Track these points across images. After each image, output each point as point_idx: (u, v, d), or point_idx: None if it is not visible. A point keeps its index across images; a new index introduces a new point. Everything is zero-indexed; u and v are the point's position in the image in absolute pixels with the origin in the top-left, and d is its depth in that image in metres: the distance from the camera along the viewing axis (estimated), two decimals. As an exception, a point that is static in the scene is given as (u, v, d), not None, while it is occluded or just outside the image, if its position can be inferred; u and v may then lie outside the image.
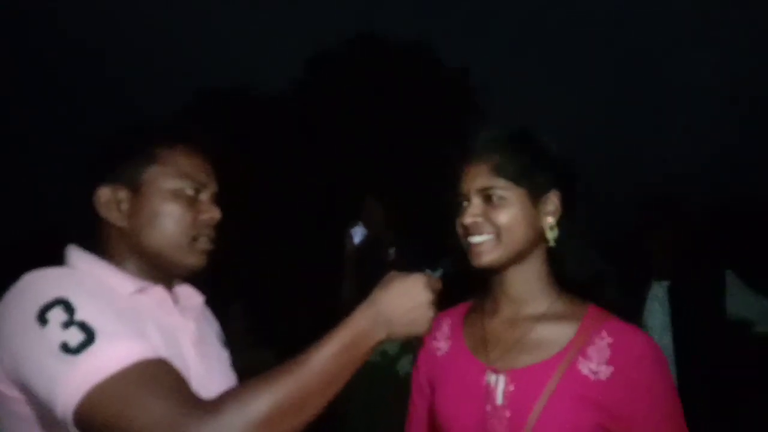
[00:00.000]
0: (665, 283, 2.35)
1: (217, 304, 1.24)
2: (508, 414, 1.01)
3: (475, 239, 1.06)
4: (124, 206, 1.02)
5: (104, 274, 0.99)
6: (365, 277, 3.22)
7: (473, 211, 1.06)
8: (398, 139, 11.41)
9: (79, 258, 1.00)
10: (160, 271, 1.04)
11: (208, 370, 1.05)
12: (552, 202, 1.07)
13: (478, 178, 1.07)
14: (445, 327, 1.19)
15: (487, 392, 1.05)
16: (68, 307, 0.86)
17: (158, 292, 1.03)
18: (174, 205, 1.02)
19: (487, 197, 1.06)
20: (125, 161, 1.02)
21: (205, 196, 1.06)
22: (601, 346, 1.01)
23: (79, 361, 0.82)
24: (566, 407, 0.98)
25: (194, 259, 1.04)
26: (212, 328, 1.17)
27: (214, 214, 1.06)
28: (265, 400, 0.83)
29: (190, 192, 1.04)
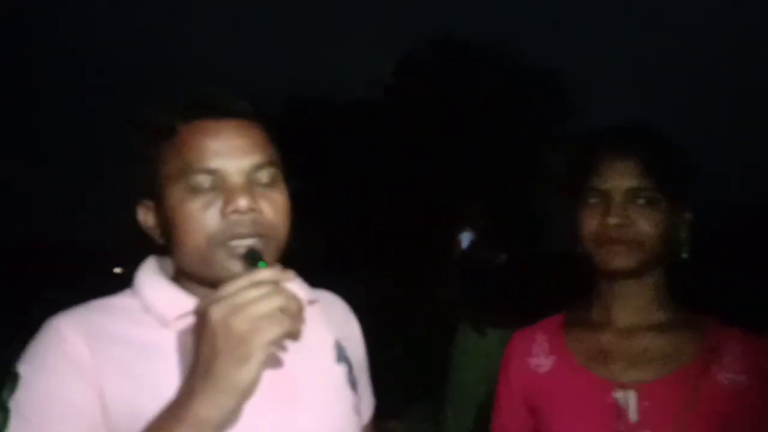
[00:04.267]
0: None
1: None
2: (644, 430, 0.96)
3: (614, 242, 0.98)
4: (155, 221, 0.86)
5: (156, 296, 0.86)
6: (472, 283, 3.26)
7: (618, 212, 0.98)
8: (491, 144, 11.33)
9: (142, 273, 0.89)
10: (205, 286, 0.84)
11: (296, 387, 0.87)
12: (689, 216, 1.03)
13: (626, 176, 0.99)
14: (542, 342, 1.12)
15: (617, 410, 0.98)
16: (13, 385, 0.78)
17: None
18: (189, 206, 0.80)
19: (633, 198, 0.99)
20: (137, 170, 0.86)
21: (229, 184, 0.80)
22: (733, 355, 0.97)
23: None
24: (708, 419, 0.94)
25: (226, 265, 0.80)
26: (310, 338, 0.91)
27: (242, 203, 0.79)
28: None
29: (204, 184, 0.80)
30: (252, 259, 0.77)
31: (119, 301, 0.87)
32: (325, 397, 0.89)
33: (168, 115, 0.84)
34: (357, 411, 0.94)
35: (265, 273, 0.68)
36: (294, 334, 0.67)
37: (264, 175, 0.83)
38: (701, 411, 0.93)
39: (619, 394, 0.98)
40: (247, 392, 0.66)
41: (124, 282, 0.92)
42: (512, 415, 1.12)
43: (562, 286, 1.22)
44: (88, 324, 0.81)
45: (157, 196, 0.83)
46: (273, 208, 0.83)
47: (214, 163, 0.80)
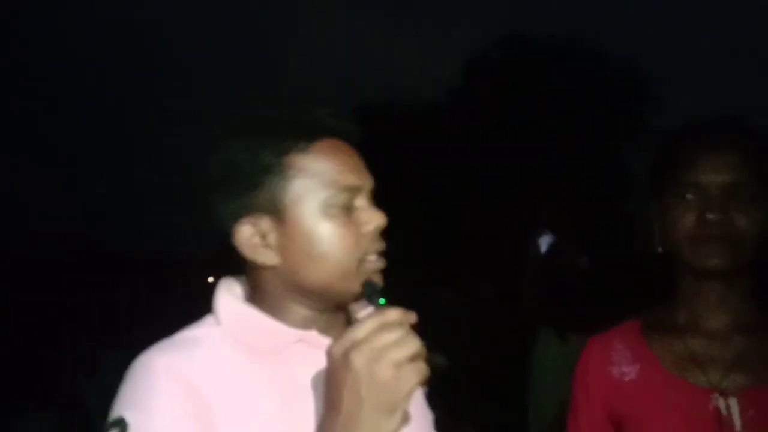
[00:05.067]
0: None
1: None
2: None
3: (712, 240, 0.94)
4: (272, 239, 0.81)
5: (247, 325, 0.83)
6: (554, 286, 3.19)
7: (718, 207, 0.93)
8: (569, 141, 11.08)
9: (224, 305, 0.85)
10: (324, 307, 0.84)
11: None
12: None
13: (724, 170, 0.95)
14: (622, 349, 1.06)
15: (719, 418, 0.93)
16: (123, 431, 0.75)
17: (313, 339, 0.83)
18: (329, 224, 0.80)
19: (733, 194, 0.94)
20: (257, 184, 0.81)
21: (361, 201, 0.83)
22: None
23: None
24: None
25: (358, 285, 0.81)
26: None
27: (377, 220, 0.82)
28: None
29: (343, 201, 0.81)
30: (371, 294, 0.77)
31: (204, 332, 0.83)
32: (416, 419, 0.83)
33: (294, 134, 0.82)
34: (434, 427, 0.94)
35: (393, 314, 0.68)
36: (427, 380, 0.67)
37: None
38: None
39: (719, 402, 0.93)
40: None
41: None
42: (592, 425, 1.07)
43: (644, 289, 1.16)
44: (188, 363, 0.78)
45: (280, 212, 0.81)
46: None
47: (351, 180, 0.82)
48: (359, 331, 0.67)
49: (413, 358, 0.66)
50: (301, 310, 0.83)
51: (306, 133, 0.82)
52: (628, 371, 1.03)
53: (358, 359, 0.66)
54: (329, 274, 0.80)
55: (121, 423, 0.76)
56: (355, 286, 0.81)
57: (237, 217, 0.82)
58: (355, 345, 0.66)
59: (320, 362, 0.74)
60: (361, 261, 0.81)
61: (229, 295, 0.86)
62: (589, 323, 3.03)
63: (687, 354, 0.99)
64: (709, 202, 0.94)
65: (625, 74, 12.29)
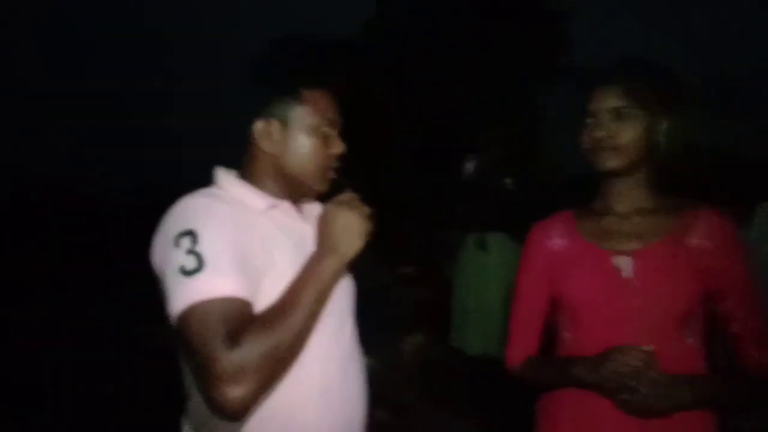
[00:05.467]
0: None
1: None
2: (638, 284, 1.25)
3: (602, 150, 1.27)
4: (275, 137, 1.21)
5: (242, 193, 1.19)
6: (481, 205, 3.53)
7: (603, 126, 1.27)
8: (492, 77, 11.28)
9: (223, 178, 1.22)
10: (293, 191, 1.24)
11: None
12: (666, 123, 1.28)
13: (609, 98, 1.27)
14: (558, 227, 1.40)
15: (615, 271, 1.27)
16: (194, 238, 1.04)
17: (285, 206, 1.23)
18: (314, 139, 1.22)
19: (615, 115, 1.26)
20: (278, 100, 1.22)
21: (335, 133, 1.26)
22: (700, 227, 1.26)
23: (186, 282, 1.01)
24: (684, 272, 1.24)
25: (321, 185, 1.25)
26: None
27: (341, 148, 1.26)
28: (274, 339, 1.00)
29: (325, 129, 1.23)
30: (342, 185, 1.30)
31: (221, 192, 1.19)
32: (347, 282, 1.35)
33: (311, 78, 1.25)
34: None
35: (355, 195, 1.22)
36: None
37: None
38: (677, 266, 1.25)
39: (618, 260, 1.29)
40: (350, 259, 1.15)
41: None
42: (534, 287, 1.42)
43: (554, 204, 1.50)
44: (222, 203, 1.13)
45: (286, 122, 1.22)
46: None
47: (333, 117, 1.26)
48: (342, 197, 1.20)
49: (366, 216, 1.18)
50: (275, 189, 1.23)
51: (316, 79, 1.25)
52: (560, 243, 1.39)
53: (341, 207, 1.17)
54: (303, 169, 1.23)
55: (190, 232, 1.06)
56: (318, 184, 1.25)
57: (259, 116, 1.22)
58: (340, 201, 1.19)
59: (295, 222, 1.23)
60: (326, 169, 1.25)
61: (226, 173, 1.24)
62: (507, 229, 3.42)
63: (600, 229, 1.34)
64: (597, 123, 1.29)
65: (543, 9, 12.47)
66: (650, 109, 1.27)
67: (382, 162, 10.09)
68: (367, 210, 1.19)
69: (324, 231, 1.16)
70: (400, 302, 5.10)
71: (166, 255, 1.06)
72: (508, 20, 11.87)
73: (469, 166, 3.57)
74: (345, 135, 1.29)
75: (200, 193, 1.16)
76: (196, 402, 1.12)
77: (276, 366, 1.01)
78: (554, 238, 1.40)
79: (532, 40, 12.01)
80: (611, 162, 1.28)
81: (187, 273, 1.01)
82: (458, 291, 3.59)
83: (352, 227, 1.15)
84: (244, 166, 1.25)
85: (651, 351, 1.19)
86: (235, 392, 0.94)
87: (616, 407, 1.22)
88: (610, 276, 1.29)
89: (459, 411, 3.27)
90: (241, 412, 0.96)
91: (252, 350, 0.97)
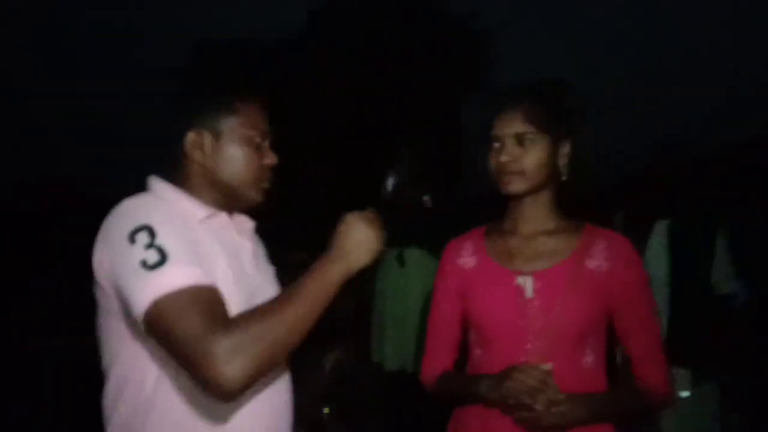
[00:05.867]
0: (666, 222, 2.71)
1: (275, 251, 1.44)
2: (537, 303, 1.30)
3: (506, 175, 1.31)
4: (207, 148, 1.20)
5: (180, 201, 1.18)
6: (401, 223, 3.55)
7: (507, 152, 1.30)
8: (415, 90, 11.48)
9: (159, 186, 1.20)
10: (228, 202, 1.24)
11: (263, 279, 1.27)
12: (568, 147, 1.33)
13: (513, 123, 1.30)
14: (469, 246, 1.43)
15: (519, 291, 1.32)
16: (151, 233, 1.04)
17: (223, 217, 1.23)
18: (247, 150, 1.22)
19: (519, 141, 1.30)
20: (210, 111, 1.21)
21: (266, 144, 1.26)
22: (600, 248, 1.32)
23: (151, 276, 1.00)
24: (582, 293, 1.29)
25: (257, 195, 1.26)
26: (261, 248, 1.38)
27: (273, 159, 1.27)
28: (268, 323, 1.01)
29: (258, 140, 1.24)
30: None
31: (154, 198, 1.17)
32: (273, 276, 1.36)
33: (243, 90, 1.26)
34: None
35: (372, 212, 1.21)
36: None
37: None
38: (577, 287, 1.30)
39: (520, 280, 1.34)
40: (355, 271, 1.16)
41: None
42: (448, 302, 1.45)
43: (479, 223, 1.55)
44: (166, 203, 1.16)
45: (218, 133, 1.22)
46: None
47: (265, 128, 1.27)
48: (366, 213, 1.18)
49: (379, 230, 1.18)
50: (210, 199, 1.22)
51: (249, 90, 1.25)
52: (469, 261, 1.42)
53: (363, 221, 1.16)
54: (238, 180, 1.22)
55: (146, 227, 1.05)
56: (253, 194, 1.25)
57: (190, 127, 1.21)
58: (364, 216, 1.17)
59: (231, 235, 1.23)
60: (260, 179, 1.25)
61: (161, 182, 1.22)
62: (425, 245, 3.47)
63: (506, 249, 1.38)
64: (502, 148, 1.33)
65: (465, 29, 12.84)
66: (552, 133, 1.32)
67: (302, 179, 10.02)
68: (382, 232, 1.21)
69: (340, 238, 1.17)
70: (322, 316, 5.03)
71: (120, 254, 1.04)
72: (432, 38, 12.15)
73: (388, 183, 3.59)
74: (275, 146, 1.31)
75: (142, 195, 1.16)
76: (119, 422, 1.12)
77: (271, 351, 1.01)
78: (465, 257, 1.44)
79: (455, 57, 12.34)
80: (515, 186, 1.32)
81: (151, 267, 1.01)
82: (377, 306, 3.61)
83: (367, 242, 1.16)
84: (177, 176, 1.23)
85: (549, 370, 1.24)
86: (230, 371, 0.95)
87: (516, 424, 1.25)
88: (514, 296, 1.33)
89: (375, 427, 3.26)
90: (237, 391, 0.97)
91: (247, 332, 0.98)
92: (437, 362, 1.47)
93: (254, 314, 1.02)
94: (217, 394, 0.97)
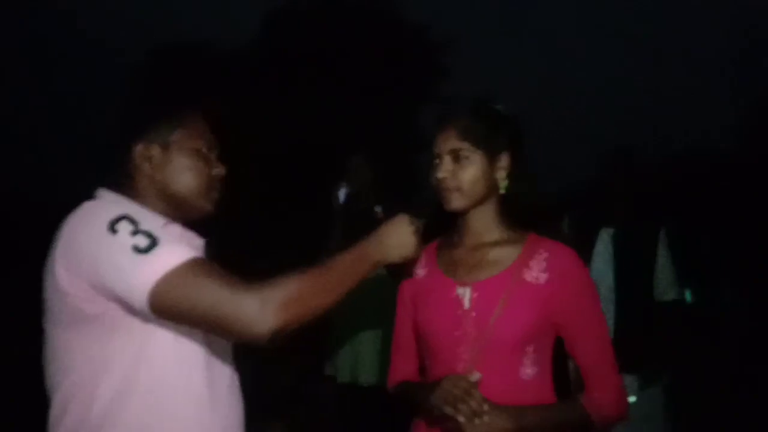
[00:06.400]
0: (611, 230, 2.76)
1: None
2: (474, 314, 1.32)
3: (446, 191, 1.35)
4: (156, 160, 1.22)
5: (140, 211, 1.17)
6: (353, 234, 3.51)
7: (445, 168, 1.34)
8: (368, 98, 11.52)
9: (109, 196, 1.21)
10: (179, 213, 1.26)
11: None
12: (504, 160, 1.36)
13: (448, 140, 1.34)
14: (424, 257, 1.48)
15: (458, 300, 1.35)
16: (132, 221, 1.07)
17: (176, 228, 1.25)
18: (195, 160, 1.25)
19: (456, 157, 1.34)
20: (158, 124, 1.24)
21: (214, 155, 1.30)
22: (539, 259, 1.33)
23: (148, 258, 1.03)
24: (518, 304, 1.30)
25: (208, 205, 1.28)
26: None
27: (222, 169, 1.31)
28: (294, 285, 1.09)
29: (205, 150, 1.27)
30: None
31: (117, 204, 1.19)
32: None
33: (192, 102, 1.29)
34: None
35: (419, 223, 1.31)
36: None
37: None
38: (514, 298, 1.32)
39: (460, 290, 1.37)
40: (388, 263, 1.27)
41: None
42: (404, 310, 1.52)
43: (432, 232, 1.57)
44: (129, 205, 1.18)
45: (167, 145, 1.24)
46: None
47: (212, 140, 1.31)
48: (416, 221, 1.30)
49: (419, 241, 1.30)
50: (161, 210, 1.23)
51: (196, 103, 1.28)
52: (420, 272, 1.48)
53: (411, 225, 1.28)
54: (188, 190, 1.25)
55: (125, 217, 1.07)
56: (204, 204, 1.27)
57: (138, 139, 1.23)
58: (413, 221, 1.29)
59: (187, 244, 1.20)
60: (209, 189, 1.28)
61: (110, 192, 1.22)
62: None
63: (452, 260, 1.42)
64: (440, 165, 1.36)
65: (422, 40, 13.00)
66: (488, 149, 1.35)
67: (253, 189, 9.90)
68: (422, 243, 1.34)
69: (386, 230, 1.27)
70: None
71: (103, 247, 1.04)
72: (388, 47, 12.23)
73: (340, 193, 3.59)
74: (224, 157, 1.33)
75: (97, 200, 1.20)
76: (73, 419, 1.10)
77: (299, 304, 1.08)
78: (419, 268, 1.48)
79: (411, 66, 12.45)
80: (455, 203, 1.36)
81: (145, 250, 1.03)
82: (330, 319, 3.57)
83: (406, 245, 1.27)
84: (126, 188, 1.23)
85: (476, 380, 1.26)
86: (266, 326, 1.03)
87: None
88: (454, 306, 1.36)
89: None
90: (275, 335, 1.05)
91: (276, 287, 1.06)
92: (399, 371, 1.52)
93: (286, 276, 1.10)
94: (256, 340, 1.04)
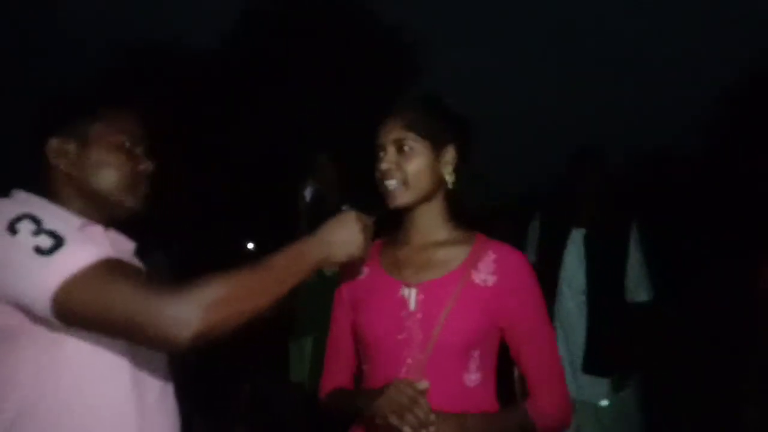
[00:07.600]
0: (582, 230, 2.71)
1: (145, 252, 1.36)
2: (420, 316, 1.26)
3: (389, 184, 1.27)
4: (72, 156, 1.14)
5: (51, 211, 1.09)
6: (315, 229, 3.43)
7: (388, 159, 1.27)
8: (337, 96, 11.47)
9: (22, 196, 1.13)
10: (101, 211, 1.18)
11: None
12: (450, 153, 1.29)
13: (393, 131, 1.28)
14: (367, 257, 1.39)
15: (403, 302, 1.29)
16: (35, 220, 0.98)
17: (97, 229, 1.17)
18: (117, 155, 1.17)
19: (400, 148, 1.27)
20: (75, 118, 1.16)
21: (140, 150, 1.21)
22: (488, 261, 1.28)
23: (52, 260, 0.93)
24: (465, 307, 1.25)
25: (134, 202, 1.20)
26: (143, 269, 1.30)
27: (149, 165, 1.22)
28: (222, 284, 0.97)
29: (128, 145, 1.18)
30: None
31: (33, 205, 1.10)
32: None
33: (112, 95, 1.21)
34: None
35: (368, 220, 1.22)
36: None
37: None
38: (460, 301, 1.26)
39: (405, 291, 1.30)
40: (331, 264, 1.17)
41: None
42: (342, 312, 1.42)
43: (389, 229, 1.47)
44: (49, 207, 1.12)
45: (85, 140, 1.16)
46: None
47: (138, 134, 1.22)
48: (367, 218, 1.21)
49: (368, 240, 1.21)
50: (82, 209, 1.15)
51: (117, 96, 1.20)
52: (363, 271, 1.39)
53: (359, 223, 1.18)
54: (108, 186, 1.16)
55: (27, 216, 0.98)
56: (128, 200, 1.19)
57: (52, 134, 1.14)
58: (362, 218, 1.20)
59: (105, 249, 1.07)
60: (134, 185, 1.19)
61: (28, 195, 1.13)
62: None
63: (397, 260, 1.35)
64: (384, 156, 1.28)
65: (392, 40, 13.00)
66: (433, 140, 1.28)
67: (220, 186, 9.76)
68: (371, 242, 1.23)
69: (329, 228, 1.18)
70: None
71: (2, 251, 0.95)
72: (359, 46, 12.19)
73: (306, 192, 3.50)
74: (156, 152, 1.25)
75: (6, 199, 1.10)
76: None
77: (227, 306, 0.97)
78: (362, 266, 1.39)
79: (381, 65, 12.43)
80: (400, 200, 1.28)
81: (48, 251, 0.94)
82: (296, 324, 3.46)
83: (352, 243, 1.18)
84: (42, 187, 1.15)
85: (424, 387, 1.19)
86: (188, 329, 0.92)
87: None
88: (398, 308, 1.29)
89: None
90: (195, 340, 0.93)
91: (202, 287, 0.95)
92: (332, 377, 1.43)
93: (216, 274, 0.99)
94: (176, 346, 0.93)
